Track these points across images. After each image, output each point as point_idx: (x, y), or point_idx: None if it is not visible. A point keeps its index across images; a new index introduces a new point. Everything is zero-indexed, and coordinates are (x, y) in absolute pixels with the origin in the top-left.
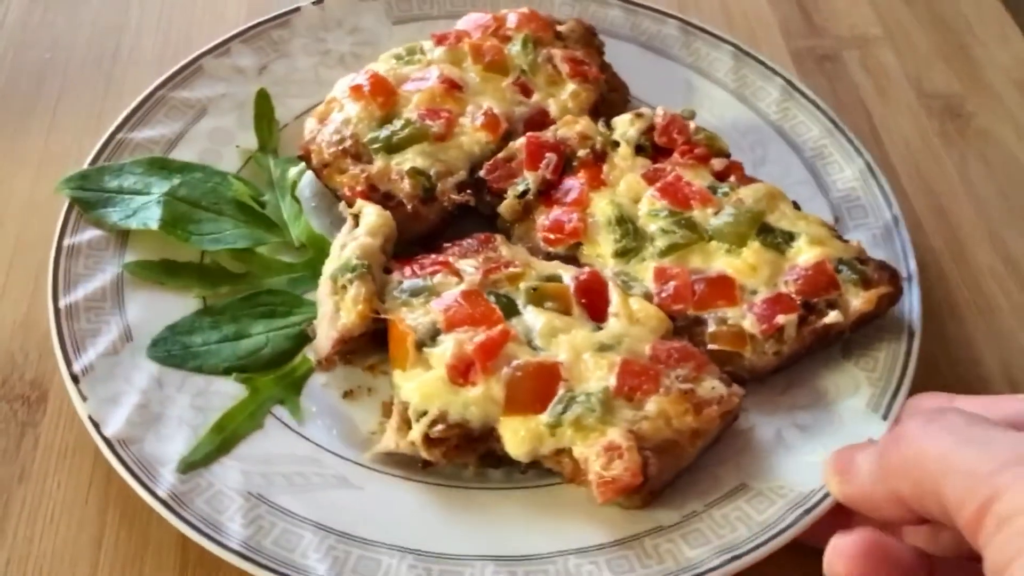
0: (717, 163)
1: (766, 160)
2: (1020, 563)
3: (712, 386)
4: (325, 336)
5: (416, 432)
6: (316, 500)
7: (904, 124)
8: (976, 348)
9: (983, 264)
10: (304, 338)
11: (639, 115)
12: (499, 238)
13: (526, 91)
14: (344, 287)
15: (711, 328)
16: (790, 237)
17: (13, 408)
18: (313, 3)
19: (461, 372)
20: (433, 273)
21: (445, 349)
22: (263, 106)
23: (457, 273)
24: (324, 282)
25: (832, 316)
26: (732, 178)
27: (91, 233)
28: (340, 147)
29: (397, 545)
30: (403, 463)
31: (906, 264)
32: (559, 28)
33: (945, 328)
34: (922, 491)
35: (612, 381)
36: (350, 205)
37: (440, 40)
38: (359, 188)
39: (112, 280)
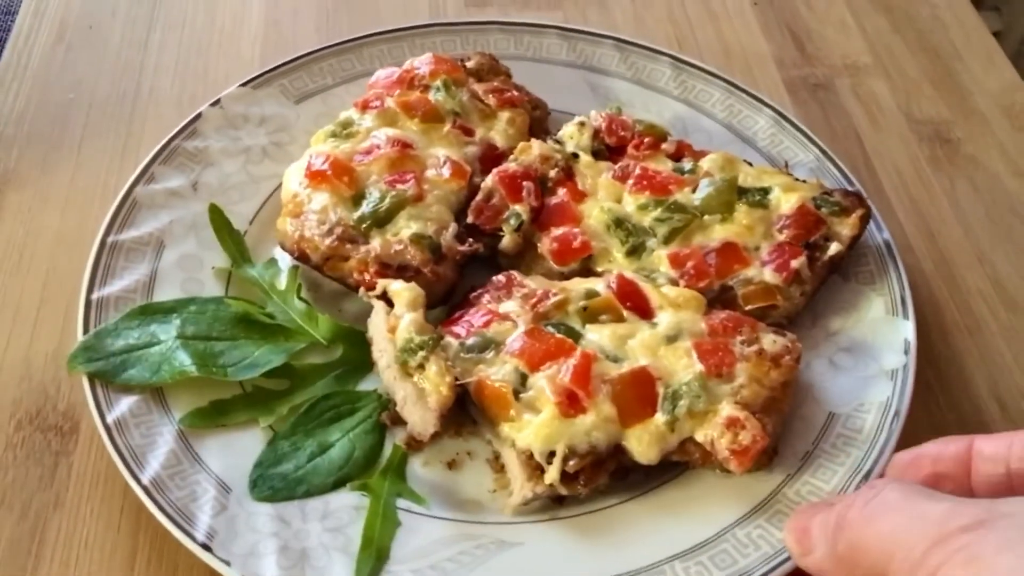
0: (667, 146)
1: None
2: None
3: (773, 340)
4: (421, 418)
5: (553, 473)
6: (491, 569)
7: (895, 150)
8: (966, 368)
9: (972, 286)
10: (382, 427)
11: (581, 124)
12: (516, 274)
13: (467, 131)
14: (421, 366)
15: (740, 291)
16: (765, 192)
17: (47, 438)
18: (211, 105)
19: (569, 404)
20: (486, 325)
21: (541, 389)
22: (218, 221)
23: (507, 318)
24: (388, 369)
25: (834, 248)
26: (686, 156)
27: (129, 400)
28: (334, 236)
29: None
30: (538, 507)
31: (900, 287)
32: (467, 64)
33: (935, 349)
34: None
35: (698, 366)
36: (369, 289)
37: (365, 106)
38: (372, 269)
39: (177, 443)
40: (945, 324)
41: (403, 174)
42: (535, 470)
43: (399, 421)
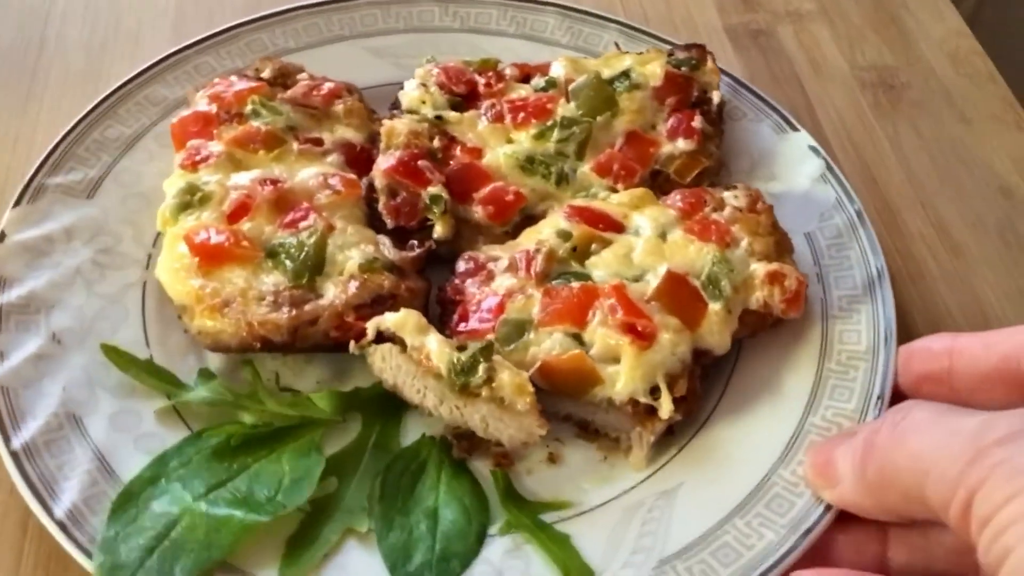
0: (511, 73)
1: None
2: (1008, 569)
3: (733, 195)
4: (518, 427)
5: (667, 403)
6: (681, 520)
7: (838, 97)
8: (908, 315)
9: (914, 231)
10: (462, 464)
11: (423, 86)
12: (479, 252)
13: (315, 141)
14: (487, 379)
15: (671, 170)
16: (626, 75)
17: None
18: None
19: (639, 336)
20: (500, 310)
21: (603, 337)
22: (123, 361)
23: (514, 293)
24: (444, 403)
25: (716, 96)
26: (532, 75)
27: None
28: (288, 305)
29: None
30: (656, 449)
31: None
32: (262, 76)
33: None
34: (908, 500)
35: (707, 246)
36: (358, 339)
37: (193, 163)
38: (351, 318)
39: None
40: (888, 271)
41: (294, 211)
42: (644, 414)
43: (475, 449)
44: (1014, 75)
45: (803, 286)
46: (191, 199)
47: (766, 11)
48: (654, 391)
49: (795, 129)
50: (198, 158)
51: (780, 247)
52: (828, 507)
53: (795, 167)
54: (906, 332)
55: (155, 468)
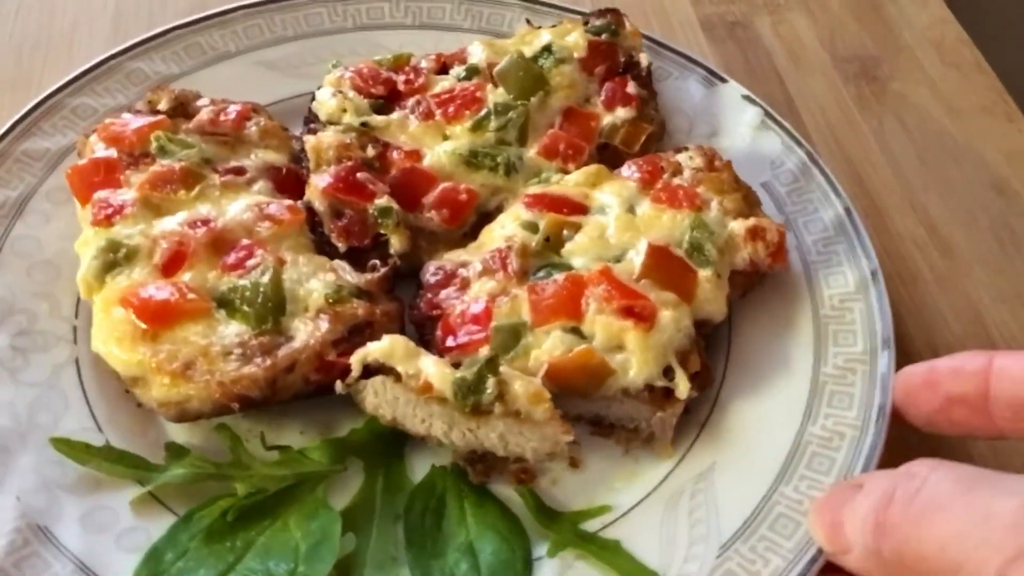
0: (429, 66)
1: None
2: None
3: (688, 156)
4: (541, 437)
5: (683, 381)
6: (726, 497)
7: (818, 89)
8: (900, 320)
9: (904, 232)
10: (484, 488)
11: (339, 93)
12: (444, 261)
13: (237, 171)
14: (499, 395)
15: (617, 141)
16: (548, 51)
17: None
18: None
19: (640, 318)
20: (487, 318)
21: (605, 326)
22: (75, 451)
23: (498, 296)
24: (455, 428)
25: (643, 59)
26: (450, 65)
27: None
28: (260, 357)
29: None
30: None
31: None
32: (159, 109)
33: None
34: None
35: (680, 213)
36: (343, 377)
37: (106, 218)
38: (332, 357)
39: None
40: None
41: (235, 251)
42: (661, 398)
43: (492, 470)
44: (1002, 64)
45: (784, 236)
46: (114, 257)
47: (742, 1)
48: (666, 372)
49: (723, 80)
50: (110, 211)
51: (748, 201)
52: (872, 454)
53: (734, 119)
54: (899, 339)
55: (150, 567)
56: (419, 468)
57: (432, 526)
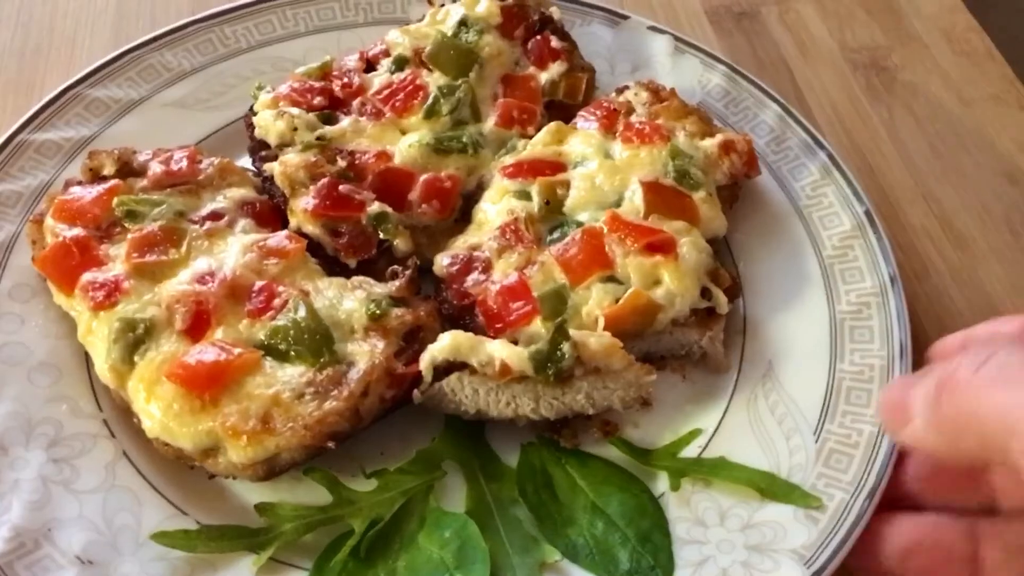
0: (358, 65)
1: None
2: None
3: (634, 92)
4: (625, 384)
5: (721, 297)
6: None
7: (828, 80)
8: (915, 314)
9: (917, 225)
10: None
11: (281, 114)
12: (456, 249)
13: (214, 216)
14: (576, 358)
15: (561, 95)
16: (464, 24)
17: None
18: None
19: (667, 251)
20: (524, 289)
21: (638, 266)
22: (180, 541)
23: (526, 266)
24: (542, 399)
25: (555, 11)
26: (375, 60)
27: None
28: (329, 395)
29: None
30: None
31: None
32: (105, 174)
33: None
34: (984, 448)
35: (658, 146)
36: (416, 386)
37: (108, 298)
38: (401, 369)
39: None
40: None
41: (253, 296)
42: (704, 319)
43: (579, 431)
44: (1013, 51)
45: (751, 144)
46: (134, 336)
47: None
48: (703, 293)
49: (624, 17)
50: (107, 290)
51: (704, 120)
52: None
53: (648, 50)
54: (913, 334)
55: None
56: (503, 451)
57: (550, 499)
